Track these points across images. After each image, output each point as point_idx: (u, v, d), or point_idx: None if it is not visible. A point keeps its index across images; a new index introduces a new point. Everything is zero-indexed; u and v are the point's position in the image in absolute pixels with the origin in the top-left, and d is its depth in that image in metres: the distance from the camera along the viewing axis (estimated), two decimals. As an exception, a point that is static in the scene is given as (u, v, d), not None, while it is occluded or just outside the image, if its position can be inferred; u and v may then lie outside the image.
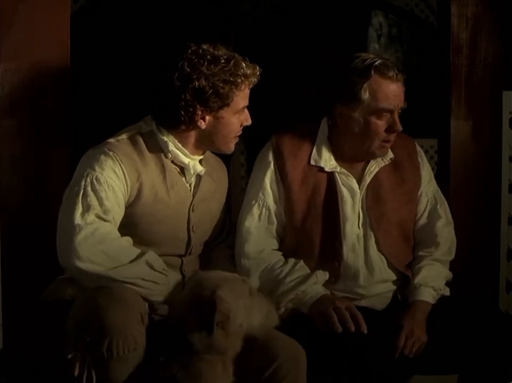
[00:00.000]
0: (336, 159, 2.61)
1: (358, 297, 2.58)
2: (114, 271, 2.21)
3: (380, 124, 2.53)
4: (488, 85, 3.03)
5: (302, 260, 2.58)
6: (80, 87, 3.04)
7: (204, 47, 2.36)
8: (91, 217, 2.24)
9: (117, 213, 2.32)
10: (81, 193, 2.26)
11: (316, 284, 2.54)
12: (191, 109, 2.35)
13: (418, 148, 2.73)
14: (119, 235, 2.28)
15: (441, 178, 3.11)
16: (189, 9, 4.25)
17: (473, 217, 3.05)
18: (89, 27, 4.15)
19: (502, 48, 3.03)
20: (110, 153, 2.32)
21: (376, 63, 2.51)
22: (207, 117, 2.38)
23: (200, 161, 2.49)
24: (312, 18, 4.43)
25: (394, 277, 2.61)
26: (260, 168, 2.63)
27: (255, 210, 2.59)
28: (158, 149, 2.40)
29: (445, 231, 2.69)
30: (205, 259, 2.58)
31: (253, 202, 2.59)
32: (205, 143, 2.44)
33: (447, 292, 2.63)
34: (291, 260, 2.58)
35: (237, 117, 2.42)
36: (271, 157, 2.61)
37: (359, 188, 2.60)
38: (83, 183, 2.28)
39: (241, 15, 4.53)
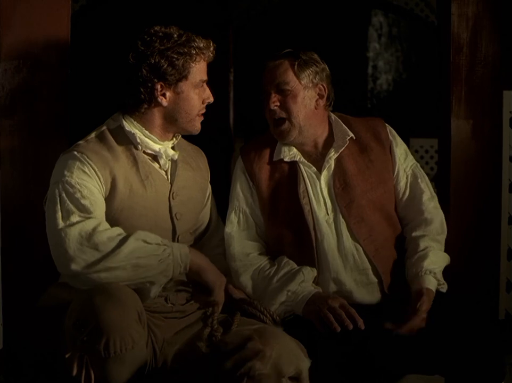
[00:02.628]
0: (297, 149, 2.68)
1: (341, 288, 2.58)
2: (106, 260, 2.21)
3: (265, 104, 2.66)
4: (488, 84, 3.02)
5: (285, 256, 2.62)
6: (80, 87, 3.04)
7: (156, 28, 2.41)
8: (72, 219, 2.25)
9: (100, 208, 2.32)
10: (58, 202, 2.28)
11: (305, 283, 2.56)
12: (149, 85, 2.38)
13: (388, 127, 2.75)
14: (107, 227, 2.28)
15: (441, 177, 3.12)
16: (188, 7, 4.25)
17: (474, 217, 3.04)
18: (89, 27, 4.15)
19: (502, 48, 3.03)
20: (78, 155, 2.33)
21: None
22: (167, 94, 2.41)
23: (173, 149, 2.50)
24: (312, 17, 4.43)
25: (369, 266, 2.61)
26: (234, 178, 2.73)
27: (233, 217, 2.68)
28: (128, 142, 2.42)
29: (431, 205, 2.70)
30: None
31: (230, 210, 2.69)
32: (170, 122, 2.45)
33: (444, 288, 2.63)
34: (278, 260, 2.63)
35: (197, 92, 2.44)
36: (240, 164, 2.73)
37: (320, 174, 2.64)
38: (56, 192, 2.30)
39: (240, 13, 4.52)
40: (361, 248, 2.60)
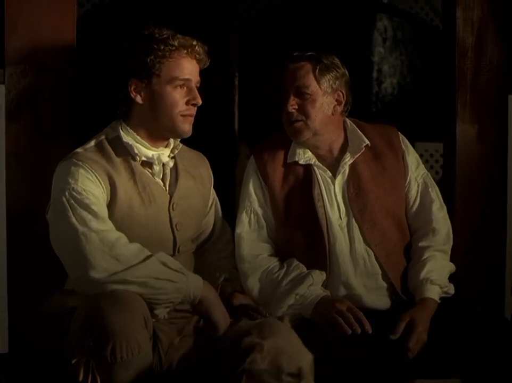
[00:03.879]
0: (312, 152, 2.67)
1: (351, 293, 2.59)
2: (125, 272, 2.20)
3: (283, 105, 2.65)
4: (493, 88, 3.02)
5: (295, 259, 2.62)
6: (86, 90, 3.04)
7: (149, 29, 2.41)
8: (91, 225, 2.24)
9: (107, 215, 2.32)
10: (69, 209, 2.26)
11: (314, 286, 2.56)
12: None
13: (401, 135, 2.76)
14: (127, 241, 2.28)
15: (446, 182, 3.12)
16: (189, 9, 4.26)
17: (479, 221, 3.04)
18: (94, 31, 4.15)
19: (508, 52, 3.03)
20: (80, 163, 2.32)
21: None
22: (142, 92, 2.39)
23: (173, 158, 2.49)
24: (316, 22, 4.42)
25: (379, 271, 2.61)
26: (246, 178, 2.72)
27: (244, 217, 2.67)
28: (126, 153, 2.40)
29: (440, 215, 2.71)
30: (199, 263, 2.61)
31: (242, 210, 2.68)
32: (152, 123, 2.41)
33: (451, 290, 2.63)
34: (287, 262, 2.64)
35: (175, 91, 2.40)
36: (253, 165, 2.71)
37: (334, 178, 2.64)
38: (64, 199, 2.27)
39: (240, 13, 4.50)
40: (372, 253, 2.60)
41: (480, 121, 3.02)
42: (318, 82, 2.60)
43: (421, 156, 4.64)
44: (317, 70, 2.60)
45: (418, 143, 4.45)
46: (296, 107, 2.61)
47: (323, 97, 2.61)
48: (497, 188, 3.04)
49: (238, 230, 2.66)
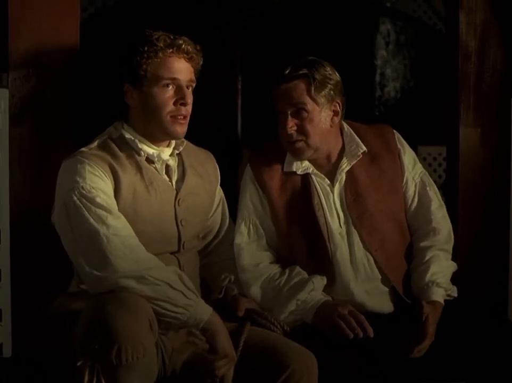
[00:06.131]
0: (309, 161, 2.65)
1: (353, 299, 2.58)
2: (143, 270, 2.19)
3: (281, 125, 2.64)
4: (496, 92, 3.03)
5: (297, 267, 2.61)
6: (89, 93, 3.05)
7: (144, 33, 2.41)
8: (109, 222, 2.24)
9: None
10: (82, 209, 2.25)
11: (315, 291, 2.55)
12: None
13: (397, 134, 2.73)
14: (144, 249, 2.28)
15: (449, 185, 3.12)
16: (190, 11, 4.26)
17: (482, 224, 3.04)
18: (98, 35, 4.16)
19: (510, 56, 3.03)
20: (85, 160, 2.32)
21: None
22: (134, 94, 2.40)
23: (179, 155, 2.49)
24: (318, 23, 4.42)
25: (379, 276, 2.61)
26: (243, 188, 2.71)
27: (243, 228, 2.66)
28: (130, 150, 2.41)
29: (440, 214, 2.69)
30: (204, 264, 2.62)
31: (240, 221, 2.67)
32: (147, 124, 2.41)
33: (455, 292, 2.63)
34: (289, 269, 2.62)
35: (165, 91, 2.38)
36: (250, 174, 2.70)
37: (333, 186, 2.63)
38: (75, 198, 2.26)
39: (241, 15, 4.49)
40: (372, 258, 2.60)
41: (483, 125, 3.03)
42: (314, 100, 2.56)
43: (424, 159, 4.66)
44: (312, 88, 2.55)
45: (421, 146, 4.45)
46: (295, 127, 2.57)
47: (321, 113, 2.58)
48: (500, 191, 3.04)
49: (237, 241, 2.65)
